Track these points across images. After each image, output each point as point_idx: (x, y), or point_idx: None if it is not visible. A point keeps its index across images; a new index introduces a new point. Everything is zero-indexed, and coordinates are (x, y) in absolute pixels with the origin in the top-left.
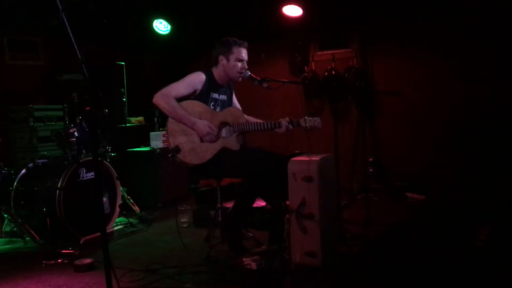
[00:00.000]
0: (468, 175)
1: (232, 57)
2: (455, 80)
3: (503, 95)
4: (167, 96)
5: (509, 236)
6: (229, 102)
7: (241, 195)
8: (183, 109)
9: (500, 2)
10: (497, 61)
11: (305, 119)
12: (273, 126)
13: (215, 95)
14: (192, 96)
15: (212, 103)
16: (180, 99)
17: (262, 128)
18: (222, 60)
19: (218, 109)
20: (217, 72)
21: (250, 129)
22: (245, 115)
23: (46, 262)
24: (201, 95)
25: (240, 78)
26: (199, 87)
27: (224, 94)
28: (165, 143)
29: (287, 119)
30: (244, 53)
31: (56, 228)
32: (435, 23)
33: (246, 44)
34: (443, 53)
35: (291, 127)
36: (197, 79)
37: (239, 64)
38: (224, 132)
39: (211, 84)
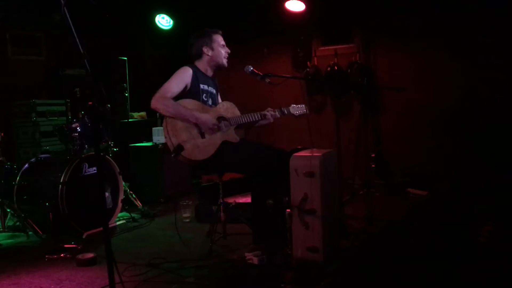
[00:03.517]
0: (470, 171)
1: (215, 45)
2: (458, 75)
3: (506, 91)
4: (164, 99)
5: None
6: (217, 96)
7: (254, 200)
8: (183, 106)
9: None
10: (499, 56)
11: (296, 107)
12: (261, 117)
13: (205, 87)
14: (183, 91)
15: (204, 94)
16: (175, 98)
17: (255, 119)
18: (208, 51)
19: (210, 101)
20: (201, 64)
21: (245, 121)
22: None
23: (48, 257)
24: (192, 89)
25: (226, 62)
26: (188, 81)
27: (212, 87)
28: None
29: (270, 109)
30: (222, 39)
31: (58, 223)
32: (438, 17)
33: (220, 31)
34: (446, 48)
35: (278, 115)
36: (185, 74)
37: (223, 50)
38: (221, 127)
39: (199, 77)
